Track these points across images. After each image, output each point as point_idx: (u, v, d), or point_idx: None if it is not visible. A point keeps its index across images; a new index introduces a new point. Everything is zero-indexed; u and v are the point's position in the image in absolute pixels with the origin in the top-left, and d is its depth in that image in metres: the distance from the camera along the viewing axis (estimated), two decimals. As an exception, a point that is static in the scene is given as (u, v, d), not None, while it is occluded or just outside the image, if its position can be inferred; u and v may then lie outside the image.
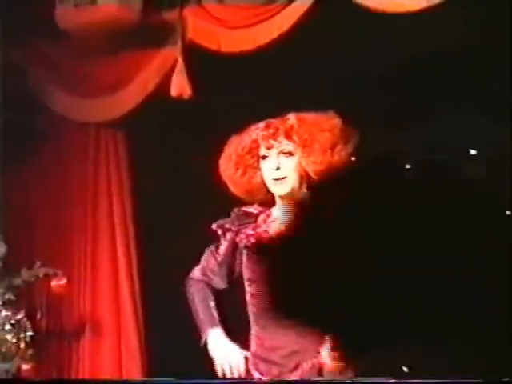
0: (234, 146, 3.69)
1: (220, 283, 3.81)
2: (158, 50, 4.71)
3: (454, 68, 4.45)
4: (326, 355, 3.55)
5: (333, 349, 3.51)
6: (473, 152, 4.86)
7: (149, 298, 4.99)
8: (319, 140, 3.57)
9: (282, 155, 3.59)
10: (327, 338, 3.50)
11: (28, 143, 4.87)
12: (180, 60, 4.59)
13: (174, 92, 4.57)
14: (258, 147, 3.62)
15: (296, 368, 3.59)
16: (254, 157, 3.64)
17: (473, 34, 4.27)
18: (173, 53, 4.63)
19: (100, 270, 5.03)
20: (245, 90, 4.48)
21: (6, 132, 4.75)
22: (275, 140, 3.57)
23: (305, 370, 3.59)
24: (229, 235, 3.78)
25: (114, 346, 4.95)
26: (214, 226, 3.82)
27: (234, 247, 3.77)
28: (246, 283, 3.71)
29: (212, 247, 3.81)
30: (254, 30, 4.51)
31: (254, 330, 3.67)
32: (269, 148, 3.58)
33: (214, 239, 3.81)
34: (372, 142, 4.12)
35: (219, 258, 3.80)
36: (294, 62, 4.49)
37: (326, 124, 3.59)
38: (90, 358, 4.96)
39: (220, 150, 3.75)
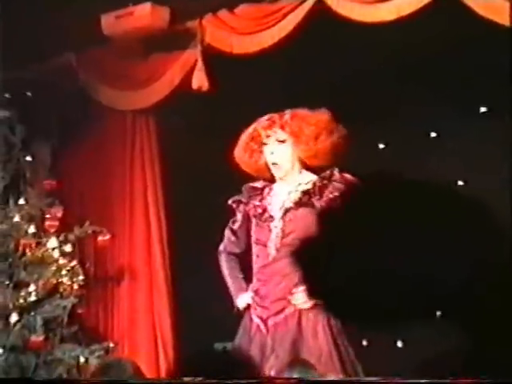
0: (244, 135, 4.16)
1: (236, 249, 4.19)
2: (182, 52, 5.08)
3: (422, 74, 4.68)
4: (298, 296, 3.89)
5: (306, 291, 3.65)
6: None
7: (176, 250, 5.33)
8: (305, 132, 4.03)
9: (277, 142, 4.06)
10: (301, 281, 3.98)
11: (79, 127, 5.29)
12: (199, 60, 4.96)
13: (194, 85, 4.94)
14: (260, 135, 4.09)
15: (280, 312, 4.03)
16: (257, 143, 4.11)
17: (438, 41, 4.47)
18: (194, 54, 5.01)
19: (136, 228, 5.38)
20: (251, 83, 4.75)
21: (62, 118, 5.20)
22: (272, 130, 4.07)
23: (287, 314, 4.01)
24: (241, 207, 4.17)
25: (146, 288, 5.30)
26: (230, 202, 4.20)
27: (247, 216, 4.17)
28: (253, 244, 4.14)
29: (230, 223, 4.20)
30: (259, 35, 4.91)
31: (254, 281, 4.13)
32: (268, 136, 4.07)
33: (231, 214, 4.18)
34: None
35: (235, 227, 4.20)
36: (291, 61, 4.79)
37: (312, 119, 4.05)
38: (128, 298, 5.32)
39: (235, 138, 4.13)
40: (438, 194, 1.37)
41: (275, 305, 4.02)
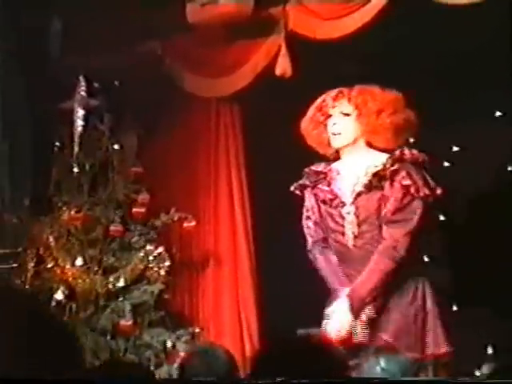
0: (312, 106, 4.13)
1: (321, 234, 4.07)
2: (265, 38, 5.12)
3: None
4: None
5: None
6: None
7: (260, 236, 5.36)
8: (368, 105, 3.97)
9: (341, 115, 4.02)
10: None
11: (164, 115, 5.34)
12: (283, 46, 4.99)
13: (278, 72, 4.97)
14: (327, 106, 4.05)
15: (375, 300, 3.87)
16: (323, 115, 4.06)
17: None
18: (277, 40, 5.03)
19: (221, 215, 5.43)
20: (334, 68, 4.79)
21: (148, 106, 5.24)
22: (338, 101, 4.04)
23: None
24: (308, 191, 4.11)
25: (231, 274, 5.34)
26: (292, 188, 4.15)
27: (316, 200, 4.10)
28: (329, 231, 4.06)
29: (303, 214, 4.11)
30: (343, 20, 4.87)
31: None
32: (333, 107, 4.04)
33: (298, 203, 4.11)
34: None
35: (309, 214, 4.09)
36: (374, 46, 4.79)
37: (378, 96, 4.00)
38: (213, 284, 5.38)
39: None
40: None
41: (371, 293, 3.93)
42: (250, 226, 5.44)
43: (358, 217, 4.00)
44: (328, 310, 3.92)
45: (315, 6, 5.03)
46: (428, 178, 3.96)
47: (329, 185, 4.07)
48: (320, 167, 4.13)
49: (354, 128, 4.03)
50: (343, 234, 4.01)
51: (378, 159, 4.01)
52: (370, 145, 4.06)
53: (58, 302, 4.99)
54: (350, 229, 4.00)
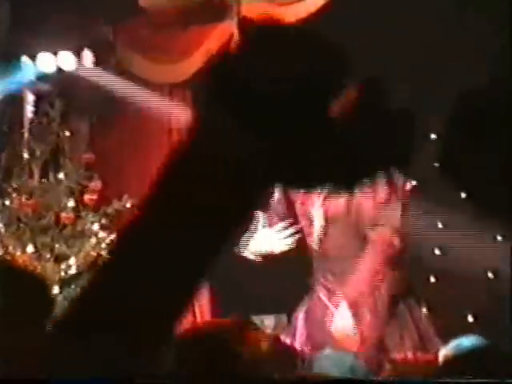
0: None
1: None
2: (218, 24, 5.10)
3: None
4: None
5: None
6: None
7: None
8: None
9: None
10: None
11: (115, 100, 5.28)
12: (236, 32, 4.93)
13: None
14: None
15: None
16: None
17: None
18: (230, 26, 5.02)
19: None
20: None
21: (98, 92, 5.21)
22: None
23: None
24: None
25: None
26: None
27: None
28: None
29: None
30: (295, 6, 4.85)
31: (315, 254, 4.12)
32: None
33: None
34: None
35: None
36: (329, 31, 5.04)
37: None
38: None
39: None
40: None
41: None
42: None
43: (326, 219, 4.00)
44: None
45: (268, -8, 4.98)
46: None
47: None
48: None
49: None
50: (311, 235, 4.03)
51: None
52: None
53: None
54: (318, 231, 4.01)
